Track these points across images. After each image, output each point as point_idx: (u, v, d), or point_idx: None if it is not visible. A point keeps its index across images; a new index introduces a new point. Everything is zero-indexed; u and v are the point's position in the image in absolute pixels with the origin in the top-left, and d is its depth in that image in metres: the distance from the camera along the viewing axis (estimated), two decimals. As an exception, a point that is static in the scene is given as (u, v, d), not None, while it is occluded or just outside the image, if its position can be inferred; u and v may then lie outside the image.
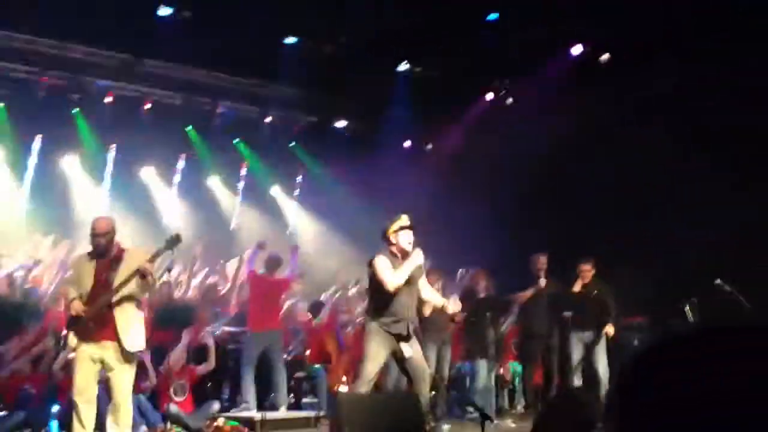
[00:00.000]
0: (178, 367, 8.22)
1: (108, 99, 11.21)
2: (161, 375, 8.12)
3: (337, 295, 9.93)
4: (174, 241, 6.38)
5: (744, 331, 0.90)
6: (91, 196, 11.74)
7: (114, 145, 12.02)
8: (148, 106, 11.54)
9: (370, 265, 6.26)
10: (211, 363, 8.52)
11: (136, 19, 9.77)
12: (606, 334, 8.79)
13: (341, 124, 13.03)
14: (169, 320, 8.64)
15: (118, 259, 6.18)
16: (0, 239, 10.12)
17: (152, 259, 6.20)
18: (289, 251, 9.51)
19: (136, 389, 7.93)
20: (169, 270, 9.06)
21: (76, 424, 6.03)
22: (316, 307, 9.19)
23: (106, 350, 6.07)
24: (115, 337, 6.07)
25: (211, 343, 8.54)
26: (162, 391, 8.11)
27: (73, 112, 11.13)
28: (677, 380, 0.89)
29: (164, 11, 10.00)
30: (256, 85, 12.07)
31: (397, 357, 6.18)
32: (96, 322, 6.03)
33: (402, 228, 6.26)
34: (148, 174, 12.51)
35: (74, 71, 10.80)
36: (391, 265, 6.14)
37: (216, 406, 8.37)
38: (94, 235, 6.15)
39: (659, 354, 0.93)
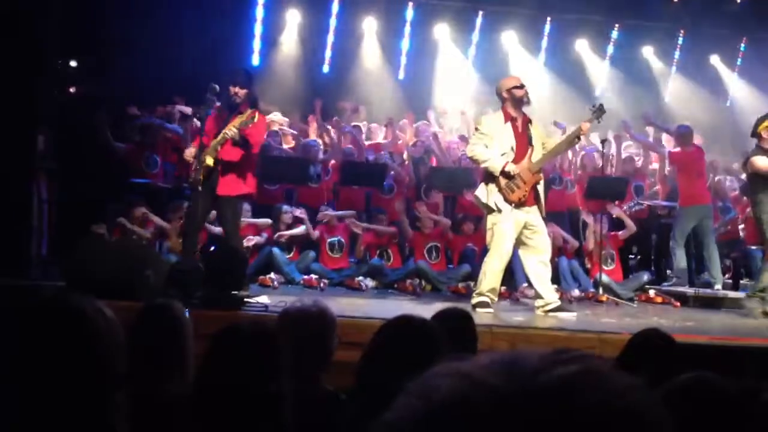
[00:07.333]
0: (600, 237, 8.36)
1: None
2: (584, 244, 8.36)
3: None
4: (599, 110, 6.43)
5: None
6: (527, 68, 12.12)
7: (549, 18, 12.19)
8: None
9: None
10: (630, 228, 8.50)
11: None
12: None
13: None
14: (600, 193, 8.75)
15: (528, 121, 6.32)
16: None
17: (589, 124, 6.38)
18: None
19: (565, 254, 8.34)
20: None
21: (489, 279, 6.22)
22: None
23: (531, 214, 6.18)
24: (535, 201, 6.23)
25: (615, 212, 8.47)
26: (591, 259, 8.36)
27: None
28: None
29: None
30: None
31: None
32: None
33: None
34: (582, 46, 12.49)
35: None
36: None
37: (646, 277, 8.40)
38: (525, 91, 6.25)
39: None
